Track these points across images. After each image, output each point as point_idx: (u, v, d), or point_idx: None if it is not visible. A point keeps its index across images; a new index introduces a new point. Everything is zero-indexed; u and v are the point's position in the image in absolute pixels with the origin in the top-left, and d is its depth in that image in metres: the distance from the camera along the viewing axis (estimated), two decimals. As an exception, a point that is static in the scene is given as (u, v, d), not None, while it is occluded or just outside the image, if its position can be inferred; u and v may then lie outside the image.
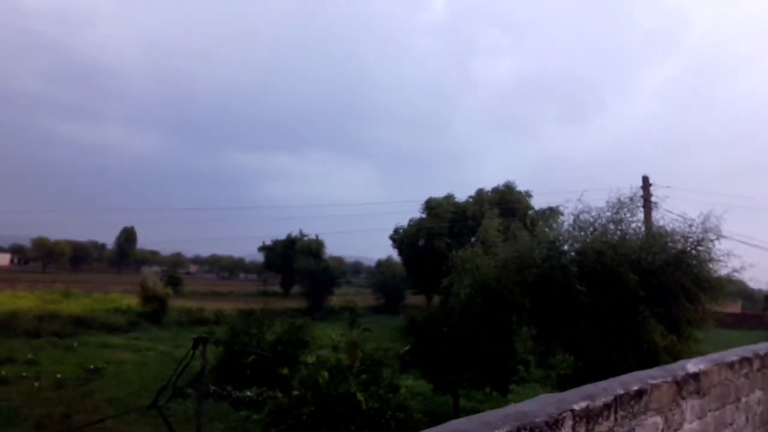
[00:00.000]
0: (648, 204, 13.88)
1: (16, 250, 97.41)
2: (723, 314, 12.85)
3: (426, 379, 15.81)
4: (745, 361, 3.18)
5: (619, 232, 12.20)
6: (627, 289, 11.00)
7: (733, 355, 3.22)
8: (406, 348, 14.55)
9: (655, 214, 14.46)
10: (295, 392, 11.09)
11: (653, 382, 2.18)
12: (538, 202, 32.34)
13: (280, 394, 11.84)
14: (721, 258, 11.41)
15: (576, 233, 12.43)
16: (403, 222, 36.24)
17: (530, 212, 31.67)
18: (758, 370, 3.39)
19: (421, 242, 32.66)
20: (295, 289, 55.81)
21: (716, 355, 3.16)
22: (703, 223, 11.38)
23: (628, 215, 12.57)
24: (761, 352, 3.47)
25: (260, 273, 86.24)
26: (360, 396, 10.65)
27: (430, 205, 32.30)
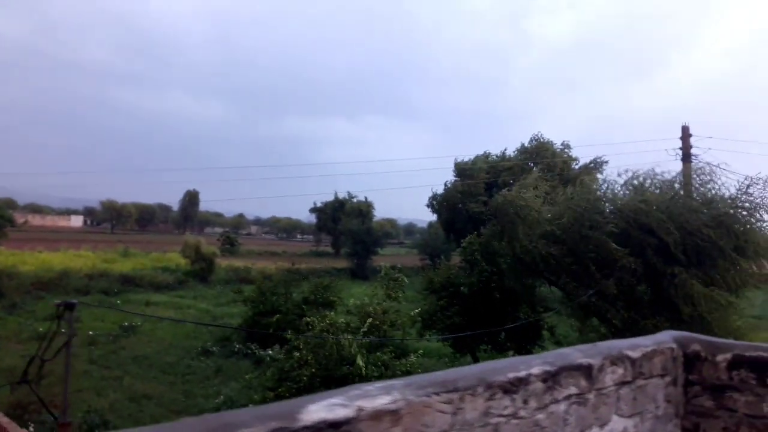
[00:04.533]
0: (688, 156, 12.48)
1: (88, 213, 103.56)
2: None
3: (446, 340, 15.31)
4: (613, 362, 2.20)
5: (658, 191, 11.14)
6: (663, 250, 10.13)
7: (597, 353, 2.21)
8: (417, 310, 14.01)
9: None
10: (296, 354, 10.90)
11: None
12: (584, 156, 30.63)
13: (282, 356, 11.67)
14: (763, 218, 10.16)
15: (616, 191, 11.54)
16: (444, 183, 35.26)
17: (575, 166, 30.02)
18: (624, 383, 2.24)
19: (459, 205, 31.63)
20: (345, 249, 56.25)
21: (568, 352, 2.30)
22: (748, 184, 10.18)
23: (667, 175, 11.50)
24: (632, 353, 2.28)
25: (315, 234, 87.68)
26: (359, 360, 10.30)
27: (460, 167, 31.00)
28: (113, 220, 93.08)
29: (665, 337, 2.60)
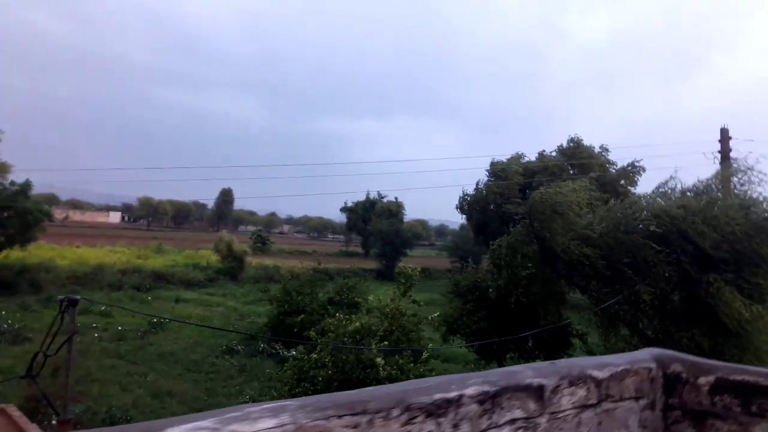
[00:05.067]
0: (726, 159, 11.89)
1: (126, 209, 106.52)
2: None
3: (470, 346, 14.99)
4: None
5: (693, 194, 10.71)
6: (699, 257, 9.70)
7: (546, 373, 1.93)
8: (436, 314, 13.75)
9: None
10: (314, 355, 10.82)
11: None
12: (621, 159, 29.80)
13: (304, 356, 11.60)
14: None
15: (656, 198, 11.19)
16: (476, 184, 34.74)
17: (612, 169, 29.24)
18: (586, 406, 1.94)
19: (492, 206, 31.09)
20: (374, 250, 56.25)
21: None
22: None
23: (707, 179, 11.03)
24: (597, 373, 1.98)
25: (345, 234, 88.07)
26: (379, 361, 10.15)
27: (495, 169, 30.47)
28: (149, 216, 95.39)
29: (644, 356, 2.32)
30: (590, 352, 18.74)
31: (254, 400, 12.02)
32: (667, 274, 10.02)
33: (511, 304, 13.54)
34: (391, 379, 9.93)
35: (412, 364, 10.64)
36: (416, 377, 10.45)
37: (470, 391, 1.65)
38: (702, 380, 2.19)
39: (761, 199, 10.25)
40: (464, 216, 37.02)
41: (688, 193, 10.95)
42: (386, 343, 10.69)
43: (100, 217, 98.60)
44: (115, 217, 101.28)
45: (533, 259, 12.51)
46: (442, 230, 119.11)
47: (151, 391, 12.84)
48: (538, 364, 1.98)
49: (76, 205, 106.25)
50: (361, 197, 60.35)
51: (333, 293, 19.12)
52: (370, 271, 42.50)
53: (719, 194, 10.93)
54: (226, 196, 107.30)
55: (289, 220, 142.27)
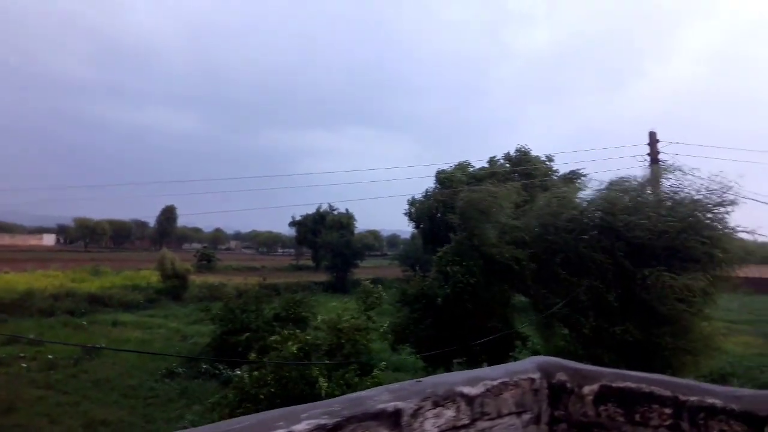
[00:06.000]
0: (656, 162, 12.37)
1: (61, 231, 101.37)
2: (743, 279, 11.44)
3: (418, 354, 14.92)
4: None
5: (625, 195, 11.04)
6: (633, 253, 9.99)
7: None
8: (385, 325, 13.61)
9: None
10: (255, 373, 10.44)
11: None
12: (564, 166, 30.66)
13: (245, 375, 11.17)
14: (733, 220, 10.08)
15: (587, 198, 11.50)
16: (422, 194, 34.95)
17: (554, 177, 30.02)
18: (457, 428, 1.77)
19: (438, 215, 31.31)
20: (324, 263, 55.66)
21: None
22: (716, 185, 10.10)
23: (636, 178, 11.44)
24: (469, 390, 1.81)
25: (295, 248, 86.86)
26: (321, 381, 9.89)
27: (442, 177, 30.76)
28: (86, 237, 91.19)
29: (526, 366, 2.14)
30: (536, 352, 19.08)
31: (194, 424, 11.44)
32: (601, 271, 10.24)
33: (457, 310, 13.55)
34: (334, 395, 9.70)
35: (357, 378, 10.42)
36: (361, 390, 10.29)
37: (301, 427, 1.44)
38: (587, 389, 2.03)
39: (688, 197, 10.65)
40: (414, 225, 37.18)
41: (624, 194, 11.28)
42: (327, 361, 10.43)
43: (32, 240, 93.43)
44: (49, 240, 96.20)
45: (475, 265, 12.58)
46: (394, 240, 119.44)
47: (84, 421, 12.06)
48: (398, 385, 1.77)
49: (4, 228, 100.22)
50: (312, 210, 59.70)
51: (279, 309, 18.65)
52: (321, 284, 41.98)
53: (649, 192, 11.33)
54: (168, 214, 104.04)
55: (237, 236, 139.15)
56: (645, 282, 9.87)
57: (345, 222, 54.37)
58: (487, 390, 1.87)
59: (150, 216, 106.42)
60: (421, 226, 34.99)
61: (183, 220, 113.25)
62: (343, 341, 11.18)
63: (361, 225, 61.68)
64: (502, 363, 9.45)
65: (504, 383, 1.94)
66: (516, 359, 14.97)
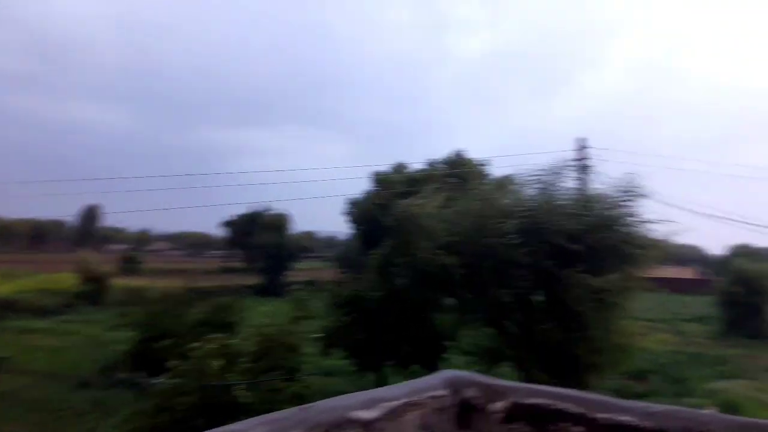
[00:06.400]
0: (583, 167, 12.83)
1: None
2: (661, 280, 12.02)
3: (350, 358, 14.74)
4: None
5: (550, 197, 11.32)
6: (556, 255, 10.28)
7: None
8: (314, 331, 13.37)
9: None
10: (175, 381, 9.91)
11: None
12: (499, 170, 31.45)
13: (164, 384, 10.58)
14: (648, 221, 10.56)
15: (511, 199, 11.70)
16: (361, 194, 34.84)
17: (487, 180, 30.69)
18: None
19: (376, 216, 31.32)
20: (257, 265, 54.33)
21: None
22: (629, 187, 10.56)
23: (561, 181, 11.76)
24: (364, 414, 1.59)
25: (226, 249, 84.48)
26: (239, 391, 9.52)
27: (378, 178, 30.77)
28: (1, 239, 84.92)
29: (433, 382, 1.93)
30: (468, 353, 19.35)
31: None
32: (528, 273, 10.44)
33: (390, 313, 13.49)
34: (262, 402, 9.36)
35: (285, 383, 10.11)
36: (291, 396, 9.94)
37: None
38: (497, 406, 1.87)
39: (609, 200, 11.06)
40: (354, 226, 36.95)
41: (550, 196, 11.55)
42: (245, 376, 10.02)
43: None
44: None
45: (409, 269, 12.55)
46: (331, 241, 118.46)
47: (-18, 439, 11.04)
48: (279, 414, 1.51)
49: None
50: (246, 210, 58.09)
51: (206, 314, 17.89)
52: (252, 288, 40.97)
53: (574, 195, 11.69)
54: (91, 213, 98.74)
55: (164, 237, 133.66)
56: (567, 283, 10.15)
57: (280, 223, 53.30)
58: (387, 413, 1.65)
59: (72, 215, 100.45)
60: (360, 227, 34.90)
61: (107, 220, 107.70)
62: (270, 347, 10.83)
63: (298, 226, 60.82)
64: (435, 364, 9.45)
65: (406, 404, 1.73)
66: (447, 361, 15.11)
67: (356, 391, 1.74)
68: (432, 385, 1.88)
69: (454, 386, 1.92)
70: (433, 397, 1.82)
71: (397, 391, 1.75)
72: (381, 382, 15.26)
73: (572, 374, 10.72)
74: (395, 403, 1.68)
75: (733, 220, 14.37)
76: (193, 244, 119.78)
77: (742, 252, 46.86)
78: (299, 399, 9.81)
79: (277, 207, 54.09)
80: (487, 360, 11.79)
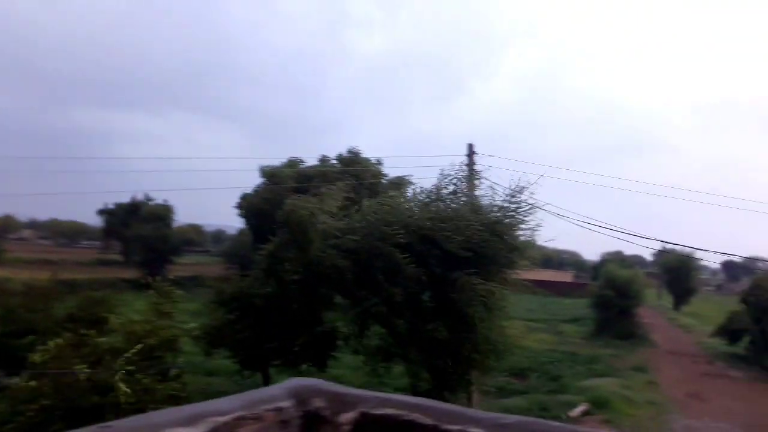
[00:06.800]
0: (472, 173, 13.41)
1: None
2: (539, 282, 12.88)
3: (235, 357, 14.29)
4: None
5: (441, 204, 11.71)
6: (447, 259, 10.70)
7: None
8: (191, 325, 12.83)
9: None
10: (32, 383, 9.05)
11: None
12: (393, 170, 31.99)
13: (21, 384, 9.60)
14: (532, 228, 11.29)
15: (406, 206, 11.95)
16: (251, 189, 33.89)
17: (383, 181, 31.15)
18: None
19: (267, 211, 30.57)
20: (136, 258, 51.03)
21: None
22: (522, 197, 11.23)
23: (452, 187, 12.19)
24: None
25: (103, 240, 78.35)
26: (122, 387, 8.88)
27: (267, 173, 30.09)
28: None
29: (276, 392, 1.75)
30: (356, 352, 19.51)
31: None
32: (418, 276, 10.74)
33: (278, 311, 13.22)
34: (135, 402, 8.80)
35: (159, 384, 9.57)
36: (166, 397, 9.42)
37: None
38: (345, 417, 1.73)
39: (496, 206, 11.65)
40: (245, 221, 35.80)
41: (440, 203, 11.95)
42: (127, 367, 9.39)
43: None
44: None
45: (297, 265, 12.39)
46: (219, 235, 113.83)
47: None
48: None
49: None
50: (125, 199, 54.24)
51: (74, 308, 16.47)
52: (129, 282, 38.39)
53: (463, 201, 12.18)
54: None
55: (32, 224, 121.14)
56: (455, 285, 10.59)
57: (162, 214, 50.38)
58: (213, 429, 1.44)
59: None
60: (252, 222, 33.89)
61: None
62: (144, 345, 10.19)
63: (184, 218, 57.97)
64: (324, 363, 9.36)
65: (240, 417, 1.53)
66: (337, 359, 15.15)
67: (239, 391, 1.60)
68: (273, 396, 1.72)
69: (300, 396, 1.77)
70: (274, 410, 1.66)
71: (230, 404, 1.55)
72: (268, 382, 14.94)
73: (458, 372, 11.18)
74: (225, 417, 1.49)
75: (607, 228, 15.71)
76: (65, 233, 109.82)
77: (614, 258, 51.62)
78: (174, 400, 9.34)
79: (160, 197, 51.18)
80: (380, 359, 11.97)
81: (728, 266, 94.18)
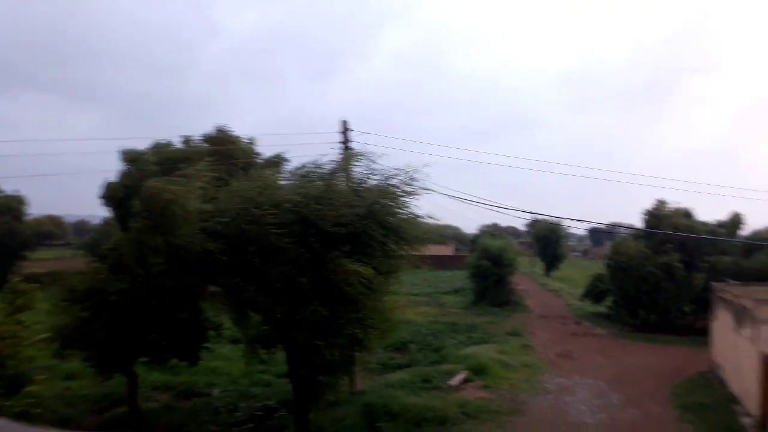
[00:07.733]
0: (346, 149, 12.98)
1: None
2: (425, 257, 12.76)
3: (89, 359, 12.79)
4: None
5: (320, 184, 11.15)
6: (324, 239, 10.24)
7: None
8: (40, 332, 11.33)
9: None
10: None
11: None
12: (270, 150, 30.65)
13: None
14: (414, 206, 11.18)
15: (278, 185, 11.43)
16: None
17: (258, 160, 29.74)
18: None
19: (128, 199, 27.86)
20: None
21: None
22: (401, 175, 11.05)
23: (329, 166, 11.69)
24: None
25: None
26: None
27: (130, 157, 27.43)
28: None
29: None
30: (233, 341, 18.52)
31: None
32: (294, 257, 10.18)
33: (138, 306, 11.94)
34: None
35: (8, 400, 8.18)
36: (16, 415, 8.02)
37: None
38: None
39: (374, 185, 11.34)
40: (111, 210, 32.50)
41: (314, 181, 11.40)
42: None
43: None
44: None
45: (161, 254, 11.21)
46: (82, 226, 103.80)
47: None
48: None
49: None
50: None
51: None
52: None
53: (339, 179, 11.73)
54: None
55: None
56: (334, 267, 10.19)
57: (11, 205, 44.62)
58: None
59: None
60: (117, 211, 30.83)
61: None
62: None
63: (39, 209, 51.92)
64: (196, 356, 8.46)
65: None
66: (210, 351, 14.19)
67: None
68: None
69: None
70: None
71: None
72: (135, 382, 13.57)
73: (339, 353, 10.82)
74: None
75: (482, 203, 16.10)
76: None
77: (490, 231, 54.30)
78: (27, 418, 8.01)
79: (10, 186, 45.27)
80: (260, 347, 11.34)
81: (593, 232, 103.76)
